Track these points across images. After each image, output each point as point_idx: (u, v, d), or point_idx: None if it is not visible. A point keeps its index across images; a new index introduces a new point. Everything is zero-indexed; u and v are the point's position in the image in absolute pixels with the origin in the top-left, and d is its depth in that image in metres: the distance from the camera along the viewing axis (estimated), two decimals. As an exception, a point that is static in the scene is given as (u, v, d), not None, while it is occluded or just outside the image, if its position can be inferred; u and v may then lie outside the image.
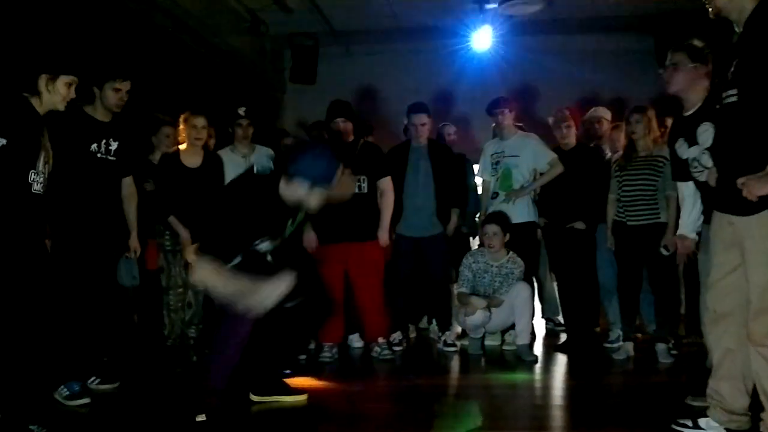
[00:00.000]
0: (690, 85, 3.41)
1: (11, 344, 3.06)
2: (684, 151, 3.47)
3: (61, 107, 3.28)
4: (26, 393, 3.09)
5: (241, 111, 5.16)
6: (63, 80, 3.23)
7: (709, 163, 3.21)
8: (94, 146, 3.91)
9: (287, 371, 4.11)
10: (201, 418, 3.20)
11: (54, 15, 4.82)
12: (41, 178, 3.19)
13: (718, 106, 2.78)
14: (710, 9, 2.75)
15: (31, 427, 3.00)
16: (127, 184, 4.16)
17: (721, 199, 2.81)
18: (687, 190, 3.56)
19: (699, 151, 3.36)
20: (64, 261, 3.75)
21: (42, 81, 3.20)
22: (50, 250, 3.76)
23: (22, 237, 3.13)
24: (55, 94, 3.23)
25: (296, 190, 3.24)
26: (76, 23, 5.03)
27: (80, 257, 3.83)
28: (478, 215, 5.77)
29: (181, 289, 4.92)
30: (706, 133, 3.27)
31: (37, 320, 3.15)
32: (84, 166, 3.87)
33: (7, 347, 3.06)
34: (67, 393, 3.63)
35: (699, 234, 3.56)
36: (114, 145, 3.99)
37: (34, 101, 3.21)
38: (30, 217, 3.17)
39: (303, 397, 3.71)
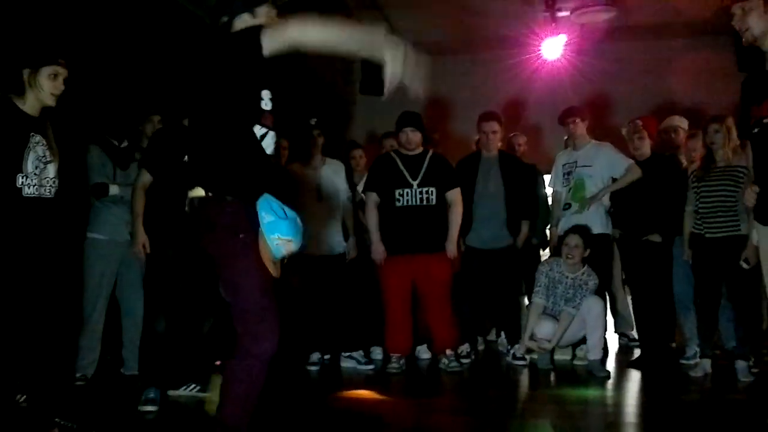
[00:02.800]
0: None
1: (25, 342, 3.03)
2: None
3: (50, 102, 3.14)
4: (53, 384, 3.13)
5: (312, 122, 5.23)
6: (45, 72, 3.10)
7: None
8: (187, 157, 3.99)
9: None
10: None
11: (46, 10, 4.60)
12: (36, 180, 3.07)
13: (756, 130, 2.67)
14: (743, 38, 2.65)
15: (57, 419, 3.06)
16: None
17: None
18: None
19: None
20: (162, 271, 3.91)
21: (24, 76, 3.09)
22: (148, 259, 3.96)
23: (16, 242, 3.01)
24: (39, 89, 3.10)
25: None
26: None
27: (178, 267, 3.89)
28: (548, 227, 5.68)
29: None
30: None
31: (38, 320, 3.08)
32: (181, 178, 3.89)
33: (23, 344, 3.03)
34: (142, 398, 3.75)
35: None
36: None
37: (20, 101, 3.09)
38: (25, 222, 3.04)
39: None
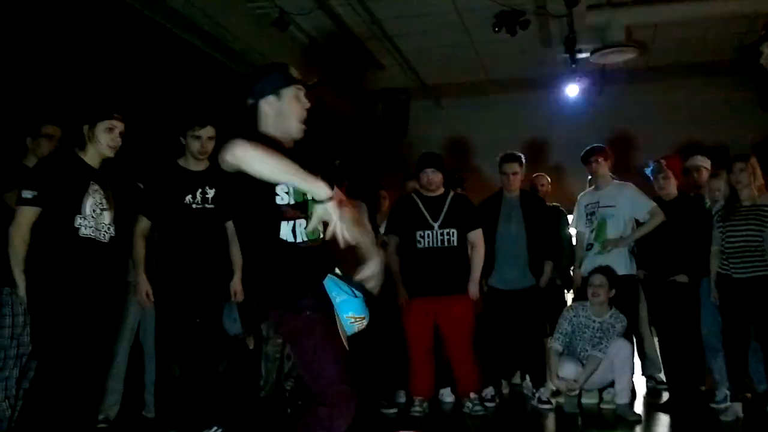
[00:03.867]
0: None
1: (53, 383, 3.13)
2: None
3: (109, 153, 3.42)
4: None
5: (336, 163, 5.26)
6: (101, 127, 3.39)
7: None
8: (188, 198, 3.92)
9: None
10: None
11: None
12: (92, 223, 3.32)
13: None
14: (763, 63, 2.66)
15: None
16: (231, 227, 4.03)
17: None
18: None
19: None
20: (169, 309, 3.88)
21: (85, 131, 3.38)
22: (156, 301, 3.95)
23: (70, 279, 3.24)
24: (97, 142, 3.39)
25: (268, 110, 2.60)
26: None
27: (183, 307, 3.87)
28: (572, 268, 5.64)
29: (280, 340, 4.99)
30: None
31: (79, 363, 3.21)
32: (181, 218, 3.91)
33: (50, 386, 3.12)
34: None
35: None
36: (211, 193, 3.98)
37: (83, 153, 3.40)
38: (80, 260, 3.29)
39: None
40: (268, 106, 2.58)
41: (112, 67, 4.95)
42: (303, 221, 2.51)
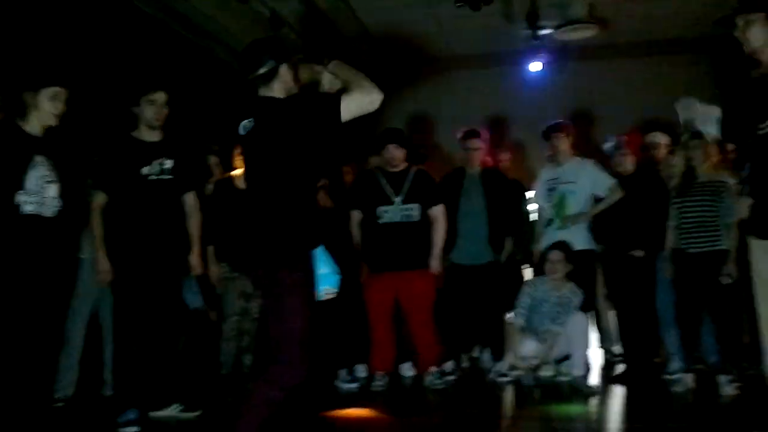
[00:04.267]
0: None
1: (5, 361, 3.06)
2: None
3: (53, 121, 3.25)
4: (28, 408, 3.15)
5: None
6: (46, 94, 3.21)
7: None
8: (145, 169, 3.84)
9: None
10: None
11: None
12: (36, 198, 3.15)
13: (752, 140, 2.70)
14: (744, 47, 2.70)
15: None
16: (189, 199, 4.07)
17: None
18: None
19: None
20: (126, 286, 3.81)
21: (27, 98, 3.19)
22: (114, 278, 3.87)
23: (11, 257, 3.09)
24: (40, 110, 3.21)
25: (286, 76, 2.87)
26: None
27: (142, 283, 3.81)
28: (532, 243, 5.70)
29: (237, 317, 4.99)
30: None
31: (26, 341, 3.13)
32: (138, 191, 3.82)
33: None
34: (122, 420, 3.69)
35: None
36: (168, 164, 3.90)
37: (24, 123, 3.20)
38: (23, 238, 3.13)
39: None
40: (286, 72, 2.82)
41: (57, 34, 4.73)
42: None
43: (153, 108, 3.86)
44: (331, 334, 4.93)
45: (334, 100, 2.71)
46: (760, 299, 3.43)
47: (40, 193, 3.19)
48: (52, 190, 3.25)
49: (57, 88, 3.27)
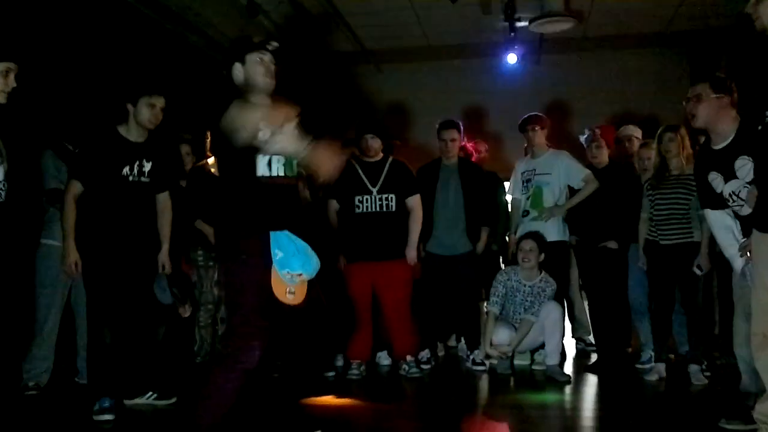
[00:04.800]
0: (716, 117, 3.36)
1: None
2: (719, 184, 3.38)
3: (1, 99, 3.04)
4: None
5: None
6: None
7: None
8: (126, 170, 3.82)
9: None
10: None
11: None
12: None
13: (760, 127, 2.73)
14: (756, 24, 2.73)
15: None
16: (162, 199, 4.07)
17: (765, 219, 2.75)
18: (721, 220, 3.47)
19: (739, 185, 3.28)
20: (98, 279, 3.78)
21: None
22: (84, 272, 3.82)
23: None
24: None
25: (239, 76, 2.94)
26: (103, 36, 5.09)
27: (113, 277, 3.78)
28: (508, 234, 5.74)
29: (211, 306, 4.98)
30: (744, 167, 3.20)
31: None
32: (116, 190, 3.80)
33: None
34: (96, 408, 3.67)
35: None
36: (147, 166, 3.90)
37: None
38: None
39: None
40: (238, 73, 2.90)
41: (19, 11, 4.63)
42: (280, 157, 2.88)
43: (151, 111, 3.85)
44: (312, 324, 4.93)
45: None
46: (736, 289, 3.49)
47: None
48: (0, 173, 3.04)
49: (7, 64, 3.02)
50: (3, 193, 3.05)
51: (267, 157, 2.86)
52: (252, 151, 2.81)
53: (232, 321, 2.83)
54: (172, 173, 4.28)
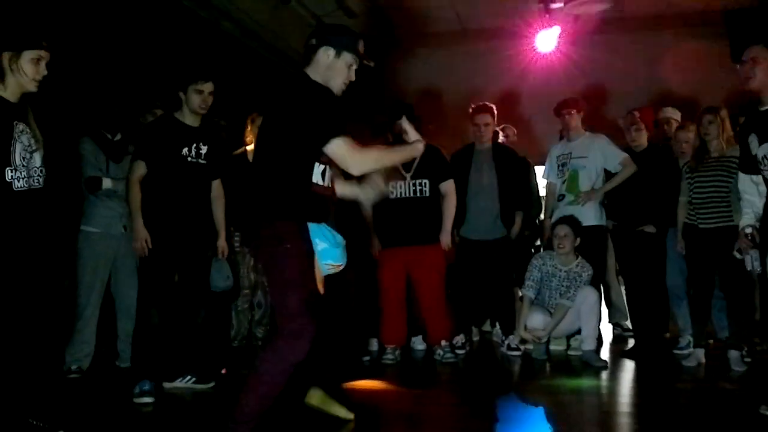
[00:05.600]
0: None
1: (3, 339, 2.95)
2: (755, 147, 3.40)
3: (32, 87, 3.00)
4: (25, 387, 3.06)
5: None
6: (28, 56, 2.95)
7: None
8: (185, 150, 3.99)
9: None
10: None
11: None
12: (25, 172, 2.97)
13: None
14: (746, 84, 3.01)
15: (31, 420, 3.01)
16: (216, 186, 4.23)
17: None
18: (750, 185, 3.57)
19: None
20: (155, 259, 3.92)
21: (5, 60, 2.93)
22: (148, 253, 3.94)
23: (8, 237, 2.91)
24: (20, 73, 2.95)
25: (323, 61, 2.86)
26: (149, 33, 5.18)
27: (170, 257, 3.95)
28: (538, 218, 5.70)
29: (248, 291, 5.03)
30: None
31: (27, 316, 3.01)
32: (177, 170, 3.97)
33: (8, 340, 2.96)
34: (137, 390, 3.74)
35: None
36: (204, 149, 4.06)
37: (0, 87, 2.94)
38: (18, 216, 2.93)
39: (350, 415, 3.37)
40: (325, 56, 2.84)
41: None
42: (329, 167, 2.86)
43: (200, 97, 4.00)
44: (347, 308, 4.97)
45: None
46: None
47: (26, 166, 2.98)
48: (37, 160, 3.03)
49: (41, 51, 2.99)
50: (41, 179, 3.06)
51: (322, 167, 2.83)
52: (313, 157, 2.79)
53: (282, 317, 2.75)
54: (224, 160, 4.42)
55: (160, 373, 3.91)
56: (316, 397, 3.36)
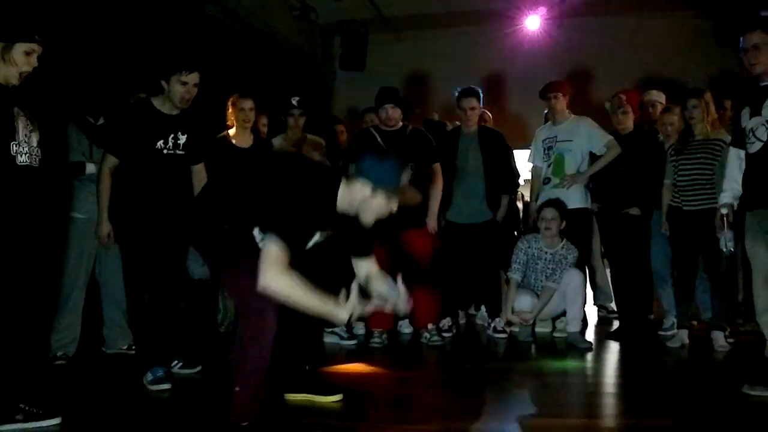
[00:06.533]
0: None
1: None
2: (746, 119, 3.43)
3: (15, 81, 3.01)
4: (15, 371, 3.03)
5: (294, 101, 5.16)
6: (20, 48, 2.98)
7: (765, 136, 3.25)
8: (160, 143, 3.79)
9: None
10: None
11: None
12: (26, 149, 2.99)
13: None
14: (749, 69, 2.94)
15: (21, 405, 2.96)
16: (198, 170, 4.04)
17: None
18: (735, 160, 3.58)
19: (759, 122, 3.33)
20: (135, 250, 3.79)
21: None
22: (121, 242, 3.87)
23: (12, 211, 2.94)
24: (10, 64, 2.97)
25: (357, 192, 2.83)
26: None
27: (150, 247, 3.77)
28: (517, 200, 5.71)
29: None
30: None
31: (23, 298, 3.00)
32: (150, 163, 3.79)
33: None
34: (151, 378, 3.67)
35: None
36: (183, 139, 3.86)
37: None
38: (20, 191, 2.97)
39: (337, 397, 3.41)
40: (360, 193, 2.82)
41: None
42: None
43: (184, 88, 3.79)
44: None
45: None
46: (750, 255, 3.50)
47: (28, 143, 3.02)
48: (34, 140, 3.06)
49: (33, 45, 3.02)
50: (38, 159, 3.08)
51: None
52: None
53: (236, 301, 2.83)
54: (206, 146, 4.23)
55: (168, 357, 3.87)
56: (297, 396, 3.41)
